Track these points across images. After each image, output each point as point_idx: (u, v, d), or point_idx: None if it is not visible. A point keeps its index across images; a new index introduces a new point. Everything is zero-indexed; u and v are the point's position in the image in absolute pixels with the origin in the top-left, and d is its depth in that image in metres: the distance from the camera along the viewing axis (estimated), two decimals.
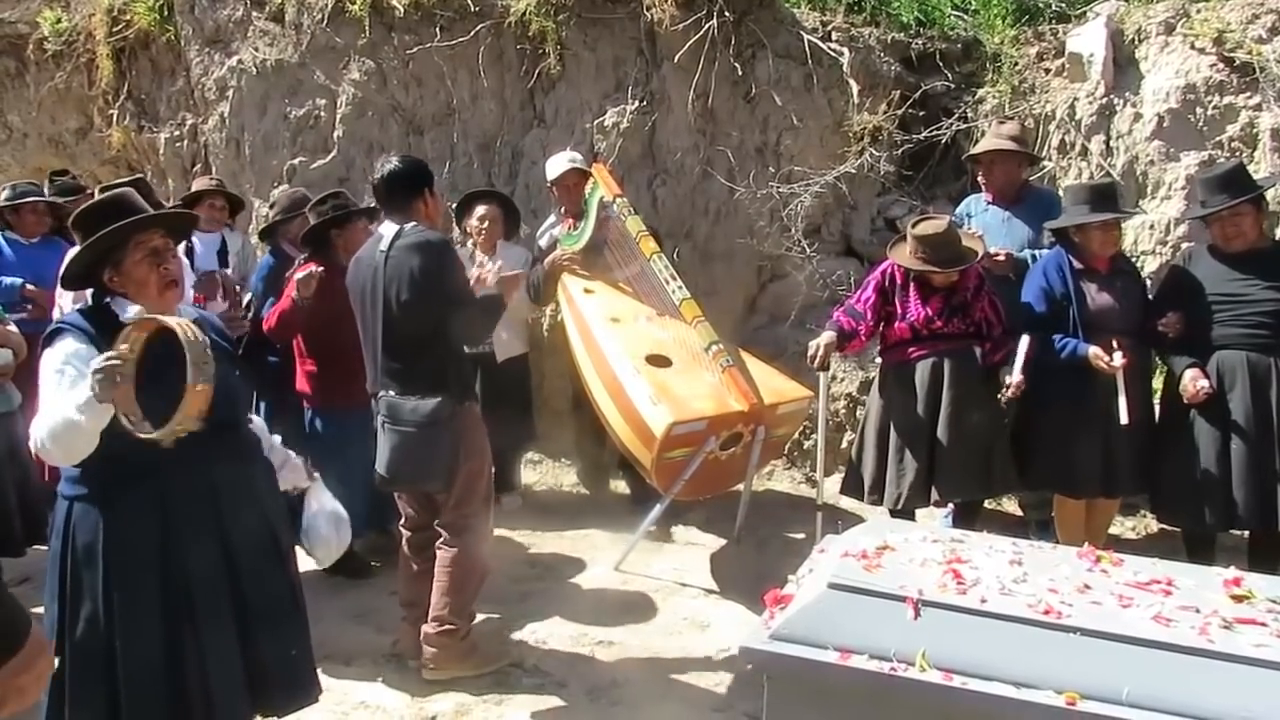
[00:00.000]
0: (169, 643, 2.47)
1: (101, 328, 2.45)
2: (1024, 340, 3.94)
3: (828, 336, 4.15)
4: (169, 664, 2.47)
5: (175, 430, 2.25)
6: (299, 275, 4.13)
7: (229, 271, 5.04)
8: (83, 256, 2.55)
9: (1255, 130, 4.88)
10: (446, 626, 3.49)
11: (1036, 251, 4.39)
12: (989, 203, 4.64)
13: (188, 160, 6.73)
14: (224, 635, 2.53)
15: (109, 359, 2.22)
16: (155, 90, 6.81)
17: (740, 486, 4.67)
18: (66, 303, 3.67)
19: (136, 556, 2.45)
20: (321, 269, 4.10)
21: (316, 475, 2.98)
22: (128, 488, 2.45)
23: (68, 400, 2.29)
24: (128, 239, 2.51)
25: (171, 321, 2.27)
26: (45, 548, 2.74)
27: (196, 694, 2.49)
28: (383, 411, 3.41)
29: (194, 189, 5.30)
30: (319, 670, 2.84)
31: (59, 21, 6.84)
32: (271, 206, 5.08)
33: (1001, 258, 4.38)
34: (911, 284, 4.15)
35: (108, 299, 2.56)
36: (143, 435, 2.26)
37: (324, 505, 2.96)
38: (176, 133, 6.71)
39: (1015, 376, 3.89)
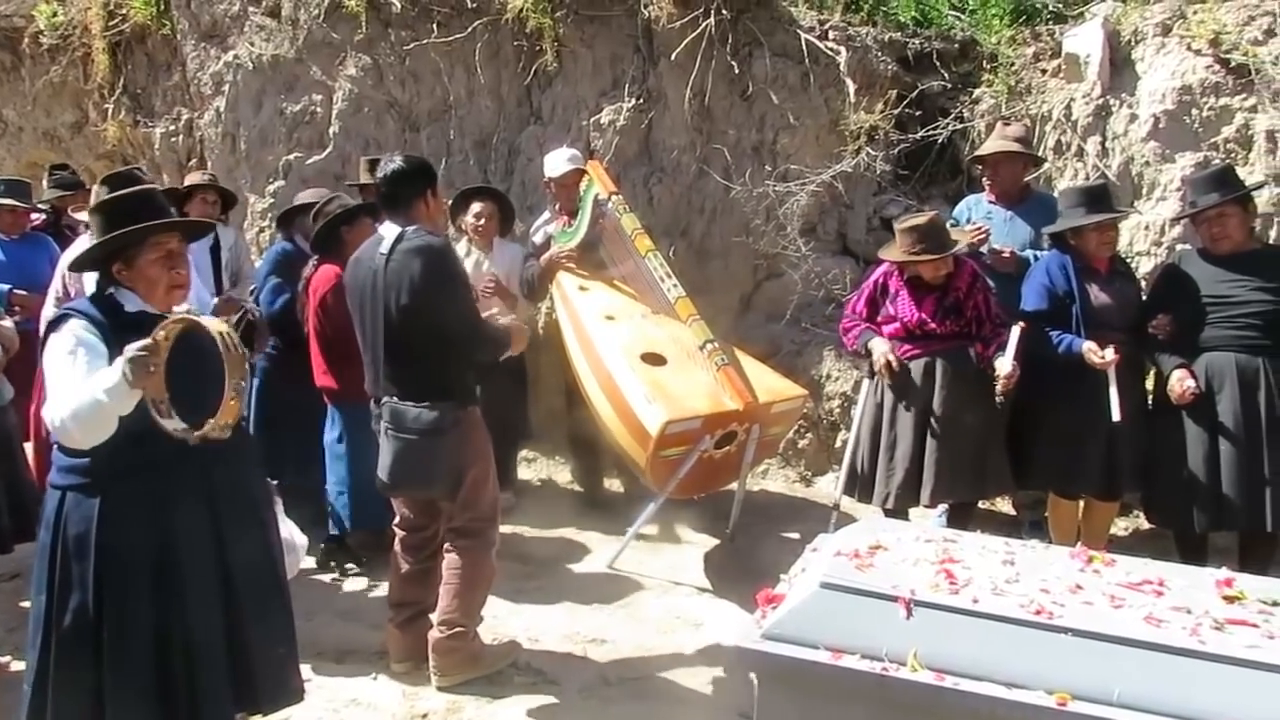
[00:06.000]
0: (157, 637, 2.47)
1: (106, 315, 2.49)
2: (1014, 330, 3.96)
3: (884, 343, 4.14)
4: (156, 658, 2.47)
5: (207, 434, 2.29)
6: None
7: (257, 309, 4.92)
8: (97, 250, 2.57)
9: (1250, 132, 4.87)
10: (457, 630, 3.46)
11: (1038, 252, 4.41)
12: (991, 203, 4.65)
13: (183, 155, 6.72)
14: (212, 632, 2.54)
15: (144, 345, 2.25)
16: (151, 84, 6.80)
17: (734, 485, 4.67)
18: (88, 285, 3.64)
19: (128, 549, 2.45)
20: None
21: (278, 499, 2.98)
22: (123, 480, 2.45)
23: (95, 381, 2.31)
24: (145, 238, 2.54)
25: (215, 327, 2.32)
26: (34, 544, 2.73)
27: (182, 689, 2.49)
28: (385, 418, 3.36)
29: (186, 183, 5.28)
30: (310, 667, 2.85)
31: (55, 15, 6.82)
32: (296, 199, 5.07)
33: (1006, 255, 4.39)
34: (904, 289, 4.16)
35: (111, 289, 2.57)
36: (170, 428, 2.30)
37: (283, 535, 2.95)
38: (172, 127, 6.69)
39: (1006, 366, 3.90)
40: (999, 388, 3.95)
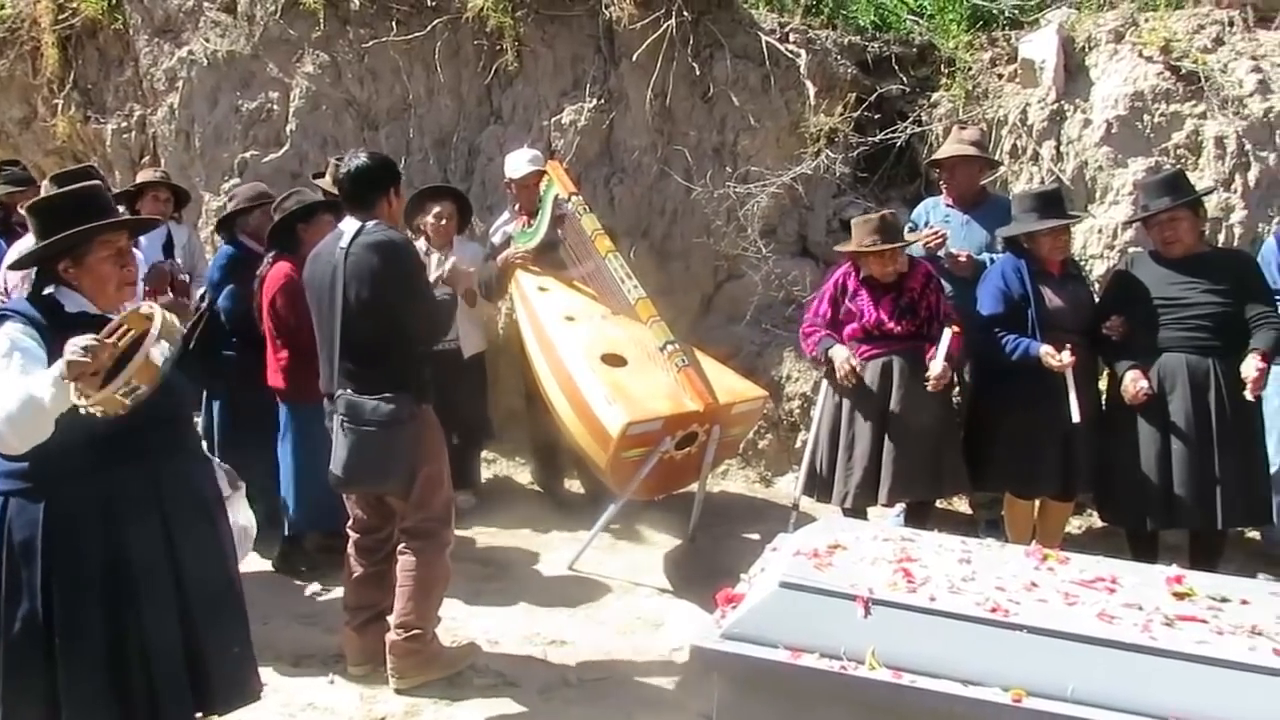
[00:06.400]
0: (111, 641, 2.43)
1: (45, 315, 2.43)
2: (946, 333, 4.02)
3: (845, 350, 4.13)
4: (111, 662, 2.43)
5: (112, 397, 2.17)
6: None
7: (178, 262, 4.93)
8: (46, 250, 2.50)
9: (1200, 138, 4.97)
10: (414, 632, 3.44)
11: (994, 255, 4.46)
12: (948, 206, 4.69)
13: (135, 152, 6.60)
14: (168, 633, 2.50)
15: (87, 346, 2.18)
16: (102, 80, 6.67)
17: (695, 486, 4.68)
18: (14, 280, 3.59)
19: (77, 554, 2.41)
20: None
21: (241, 485, 2.95)
22: (69, 482, 2.41)
23: (31, 382, 2.24)
24: (93, 236, 2.49)
25: (157, 310, 2.26)
26: None
27: (140, 691, 2.45)
28: (340, 411, 3.34)
29: (138, 180, 5.20)
30: (266, 671, 2.82)
31: (2, 8, 6.67)
32: (229, 200, 4.99)
33: (963, 259, 4.44)
34: (863, 289, 4.19)
35: (50, 288, 2.51)
36: (81, 404, 2.20)
37: (235, 519, 2.92)
38: (124, 124, 6.57)
39: (937, 369, 3.95)
40: (929, 388, 4.00)
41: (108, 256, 2.50)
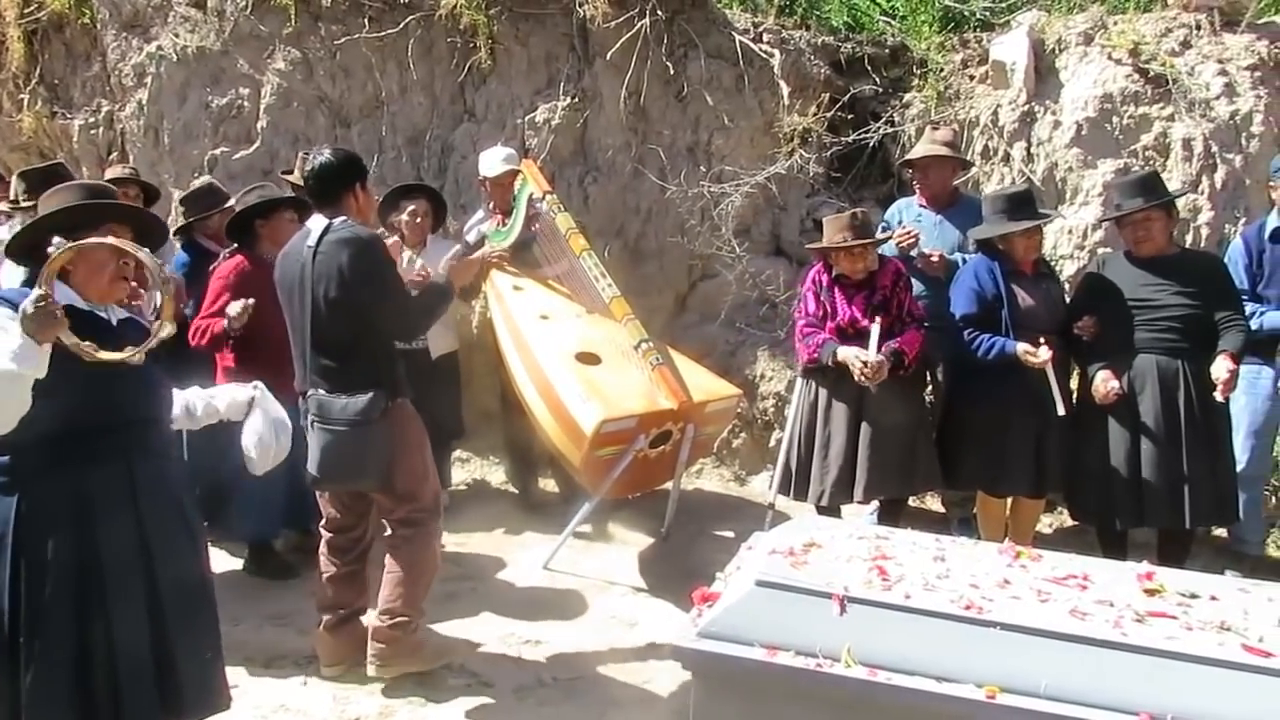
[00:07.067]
0: (79, 643, 2.40)
1: None
2: (875, 325, 4.02)
3: (854, 350, 4.07)
4: (77, 665, 2.39)
5: (156, 336, 2.26)
6: (233, 309, 4.02)
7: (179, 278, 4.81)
8: (54, 219, 2.48)
9: (1168, 140, 5.03)
10: (400, 619, 3.43)
11: (966, 255, 4.49)
12: (921, 207, 4.72)
13: (103, 148, 6.52)
14: (137, 634, 2.47)
15: (39, 297, 2.16)
16: (69, 75, 6.58)
17: (669, 484, 4.68)
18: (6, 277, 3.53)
19: (49, 549, 2.38)
20: (253, 300, 3.99)
21: (258, 384, 2.96)
22: (41, 478, 2.38)
23: None
24: (103, 220, 2.48)
25: (111, 240, 2.27)
26: None
27: (104, 693, 2.42)
28: (312, 410, 3.33)
29: (106, 177, 5.12)
30: (237, 673, 2.79)
31: None
32: (182, 205, 4.92)
33: (936, 259, 4.47)
34: (836, 287, 4.21)
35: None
36: (110, 358, 2.24)
37: (267, 411, 2.94)
38: (92, 119, 6.49)
39: (871, 357, 3.96)
40: (865, 377, 3.98)
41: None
